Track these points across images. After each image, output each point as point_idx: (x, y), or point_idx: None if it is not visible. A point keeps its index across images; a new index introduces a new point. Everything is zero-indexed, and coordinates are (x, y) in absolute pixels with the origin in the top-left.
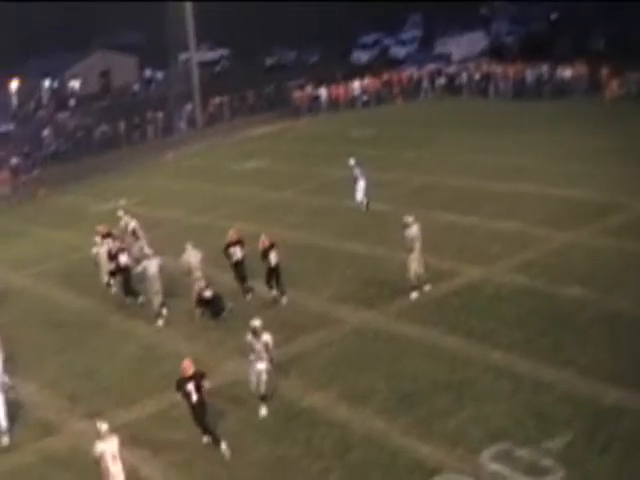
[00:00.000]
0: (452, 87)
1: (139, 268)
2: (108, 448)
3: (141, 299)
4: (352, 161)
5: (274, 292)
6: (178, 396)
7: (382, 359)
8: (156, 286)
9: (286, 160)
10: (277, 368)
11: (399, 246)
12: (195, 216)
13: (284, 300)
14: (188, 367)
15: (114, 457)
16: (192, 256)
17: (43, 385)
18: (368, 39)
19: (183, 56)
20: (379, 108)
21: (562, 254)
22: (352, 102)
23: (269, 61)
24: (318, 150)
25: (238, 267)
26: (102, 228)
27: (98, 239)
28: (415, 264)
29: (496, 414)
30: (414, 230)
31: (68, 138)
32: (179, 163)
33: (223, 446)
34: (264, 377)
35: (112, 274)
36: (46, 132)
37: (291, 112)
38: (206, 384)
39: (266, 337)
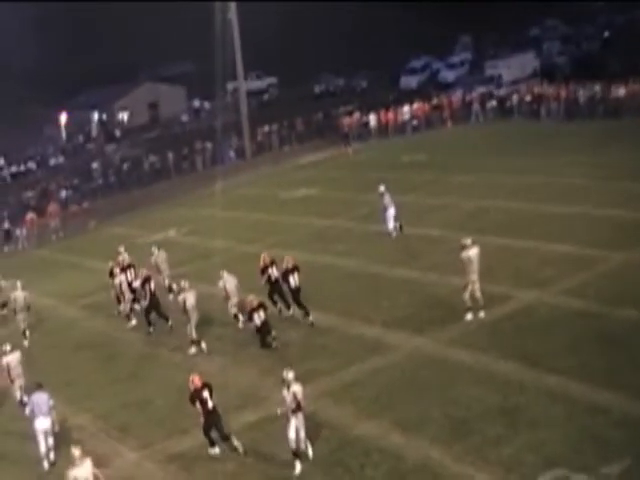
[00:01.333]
0: (503, 110)
1: (179, 300)
2: (81, 474)
3: (170, 322)
4: (382, 188)
5: (308, 317)
6: (197, 405)
7: (435, 386)
8: (195, 317)
9: (336, 187)
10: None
11: (450, 271)
12: (245, 245)
13: (310, 319)
14: (198, 380)
15: None
16: (228, 282)
17: (95, 416)
18: (417, 63)
19: (231, 86)
20: (429, 133)
21: (616, 276)
22: (402, 127)
23: (317, 88)
24: (368, 177)
25: (274, 285)
26: (122, 259)
27: (117, 271)
28: (472, 286)
29: (551, 440)
30: (472, 252)
31: (117, 170)
32: (228, 192)
33: (235, 442)
34: (301, 434)
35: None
36: (95, 164)
37: (340, 139)
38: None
39: (295, 387)
